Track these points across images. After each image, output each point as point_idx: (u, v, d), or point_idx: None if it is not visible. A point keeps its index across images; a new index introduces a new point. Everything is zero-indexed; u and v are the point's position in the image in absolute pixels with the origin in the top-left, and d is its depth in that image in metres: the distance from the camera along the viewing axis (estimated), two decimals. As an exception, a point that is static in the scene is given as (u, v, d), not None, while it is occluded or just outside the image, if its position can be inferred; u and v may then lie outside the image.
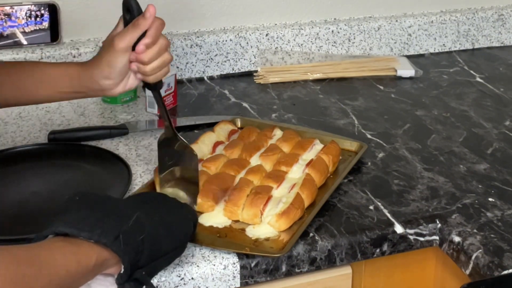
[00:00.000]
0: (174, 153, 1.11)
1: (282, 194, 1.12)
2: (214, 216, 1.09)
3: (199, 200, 1.10)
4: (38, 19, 1.49)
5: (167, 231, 0.89)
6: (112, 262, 0.82)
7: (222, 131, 1.31)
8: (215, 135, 1.29)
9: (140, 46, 1.01)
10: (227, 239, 1.05)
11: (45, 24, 1.50)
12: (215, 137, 1.28)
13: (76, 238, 0.80)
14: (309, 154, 1.23)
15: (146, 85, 1.09)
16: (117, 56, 1.02)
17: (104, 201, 0.87)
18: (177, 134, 1.10)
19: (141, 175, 1.22)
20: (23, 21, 1.48)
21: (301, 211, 1.09)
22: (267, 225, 1.06)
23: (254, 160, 1.21)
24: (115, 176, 1.19)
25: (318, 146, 1.26)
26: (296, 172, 1.18)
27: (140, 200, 0.94)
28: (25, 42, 1.50)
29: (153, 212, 0.90)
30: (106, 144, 1.32)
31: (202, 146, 1.25)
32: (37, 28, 1.49)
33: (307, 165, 1.19)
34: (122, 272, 0.82)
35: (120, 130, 1.37)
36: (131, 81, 1.08)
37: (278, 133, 1.31)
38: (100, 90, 1.07)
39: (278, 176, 1.15)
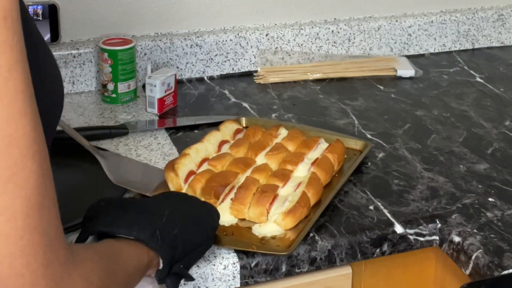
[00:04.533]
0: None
1: (288, 192, 1.13)
2: (220, 214, 1.09)
3: (202, 199, 1.11)
4: (35, 17, 1.49)
5: (196, 225, 0.91)
6: (155, 261, 0.84)
7: (227, 130, 1.31)
8: (220, 134, 1.29)
9: None
10: (233, 237, 1.05)
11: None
12: (221, 136, 1.28)
13: (125, 240, 0.81)
14: (314, 153, 1.24)
15: None
16: None
17: (130, 202, 0.89)
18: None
19: (141, 175, 1.22)
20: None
21: (307, 209, 1.09)
22: (274, 223, 1.07)
23: (260, 159, 1.22)
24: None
25: (323, 145, 1.27)
26: (301, 171, 1.19)
27: (165, 197, 0.95)
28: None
29: (180, 207, 0.92)
30: (106, 144, 1.32)
31: (208, 145, 1.25)
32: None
33: (313, 163, 1.20)
34: (161, 267, 0.84)
35: (120, 130, 1.37)
36: None
37: (283, 132, 1.31)
38: None
39: (284, 175, 1.16)
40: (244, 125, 1.39)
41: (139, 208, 0.87)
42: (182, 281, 0.99)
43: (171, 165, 1.15)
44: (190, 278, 0.91)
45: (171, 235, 0.85)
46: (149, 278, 0.87)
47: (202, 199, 1.10)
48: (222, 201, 1.11)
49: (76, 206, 1.00)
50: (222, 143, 1.27)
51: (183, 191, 1.14)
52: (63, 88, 0.80)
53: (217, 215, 0.99)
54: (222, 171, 1.17)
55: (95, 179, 1.20)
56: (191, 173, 1.16)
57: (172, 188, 1.14)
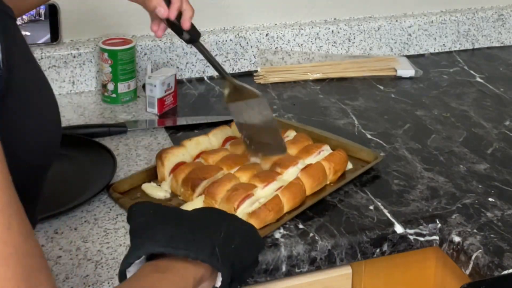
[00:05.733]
0: (243, 107, 1.20)
1: (266, 194, 1.10)
2: (193, 206, 1.09)
3: (181, 189, 1.12)
4: (37, 17, 1.50)
5: (247, 243, 0.87)
6: (207, 275, 0.80)
7: None
8: (231, 130, 1.29)
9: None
10: None
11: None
12: (230, 132, 1.28)
13: (168, 263, 0.77)
14: (312, 159, 1.21)
15: (184, 40, 1.18)
16: None
17: (184, 215, 0.85)
18: (236, 82, 1.19)
19: (141, 175, 1.22)
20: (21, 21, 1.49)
21: (274, 213, 1.07)
22: None
23: (254, 158, 1.20)
24: (100, 165, 1.22)
25: (326, 152, 1.23)
26: (291, 175, 1.16)
27: (213, 209, 0.92)
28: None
29: (233, 221, 0.88)
30: (106, 144, 1.32)
31: (213, 139, 1.25)
32: (35, 19, 1.49)
33: (303, 169, 1.17)
34: (219, 286, 0.80)
35: (119, 128, 1.37)
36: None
37: (291, 135, 1.29)
38: None
39: (267, 176, 1.13)
40: None
41: (194, 222, 0.83)
42: None
43: (160, 154, 1.17)
44: None
45: (228, 252, 0.80)
46: None
47: (182, 190, 1.12)
48: (201, 194, 1.11)
49: (64, 194, 1.11)
50: (229, 139, 1.26)
51: (167, 181, 1.15)
52: (60, 119, 0.79)
53: (258, 234, 0.93)
54: (206, 165, 1.17)
55: (82, 167, 1.22)
56: (180, 164, 1.17)
57: (158, 177, 1.17)
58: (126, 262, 0.77)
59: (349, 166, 1.24)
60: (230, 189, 1.10)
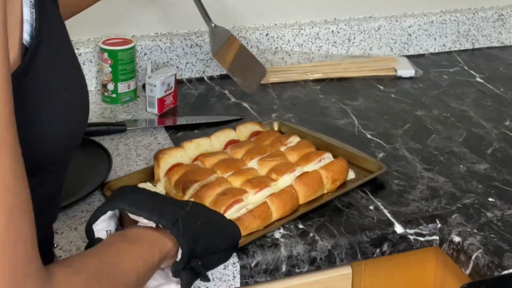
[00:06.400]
0: (225, 51, 1.40)
1: (257, 200, 1.09)
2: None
3: (173, 191, 1.12)
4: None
5: (219, 229, 0.90)
6: (172, 251, 0.82)
7: (245, 130, 1.29)
8: (234, 133, 1.28)
9: None
10: None
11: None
12: (234, 136, 1.27)
13: (136, 234, 0.80)
14: (311, 167, 1.18)
15: None
16: None
17: (159, 194, 0.89)
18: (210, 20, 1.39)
19: (141, 175, 1.22)
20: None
21: (261, 220, 1.05)
22: None
23: (252, 164, 1.19)
24: (97, 163, 1.22)
25: (327, 160, 1.20)
26: (286, 182, 1.13)
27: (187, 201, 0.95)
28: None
29: (204, 206, 0.92)
30: (106, 143, 1.32)
31: (215, 141, 1.25)
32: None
33: (298, 177, 1.14)
34: (179, 259, 0.82)
35: (118, 127, 1.37)
36: None
37: (294, 141, 1.26)
38: None
39: (259, 182, 1.11)
40: (277, 129, 1.35)
41: (165, 198, 0.87)
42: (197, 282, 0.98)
43: (156, 155, 1.18)
44: (207, 279, 0.86)
45: (193, 228, 0.83)
46: (162, 272, 0.85)
47: (174, 191, 1.12)
48: (191, 197, 1.10)
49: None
50: (231, 142, 1.25)
51: (162, 182, 1.16)
52: (88, 96, 0.81)
53: (238, 229, 0.95)
54: (200, 167, 1.16)
55: (78, 166, 1.21)
56: (176, 165, 1.16)
57: (155, 177, 1.17)
58: (93, 217, 0.81)
59: (352, 175, 1.21)
60: (220, 193, 1.08)
